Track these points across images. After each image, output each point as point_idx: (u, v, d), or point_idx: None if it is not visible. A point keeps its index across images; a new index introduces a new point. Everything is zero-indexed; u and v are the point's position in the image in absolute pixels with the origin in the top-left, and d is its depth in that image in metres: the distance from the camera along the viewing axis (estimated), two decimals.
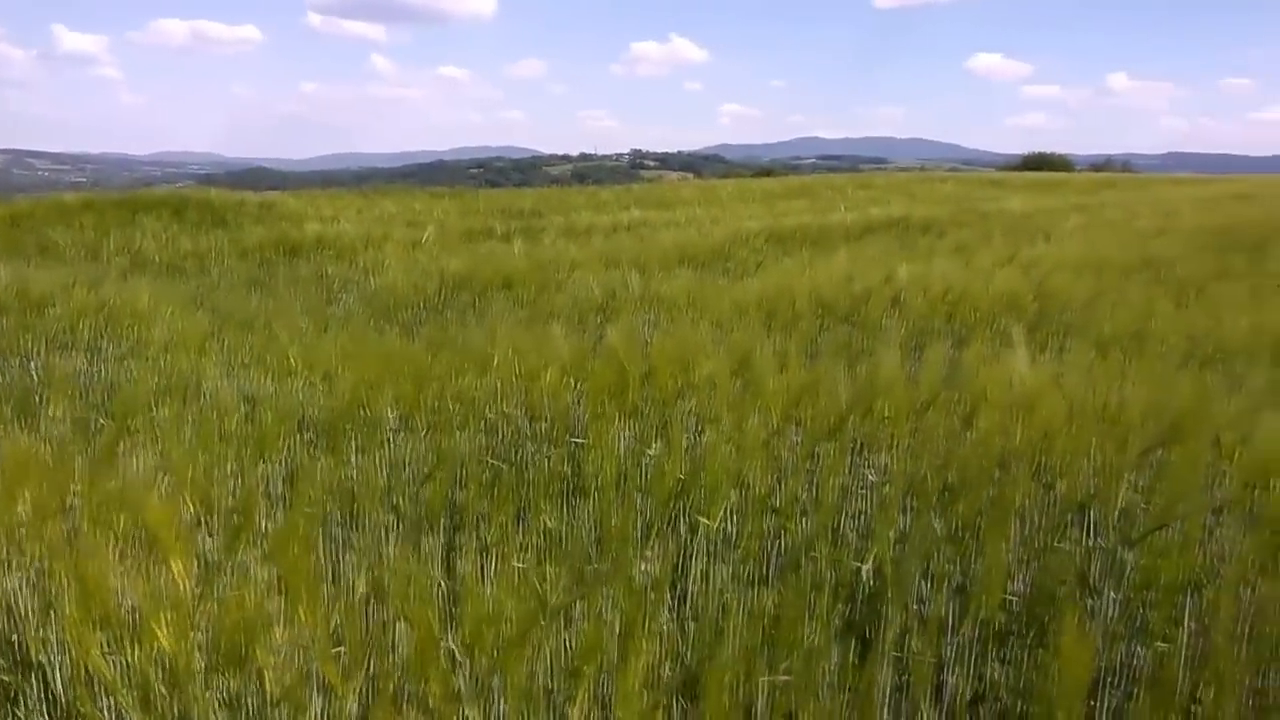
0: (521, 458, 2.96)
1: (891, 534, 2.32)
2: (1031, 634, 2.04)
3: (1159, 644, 1.90)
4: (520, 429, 3.21)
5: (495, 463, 2.80)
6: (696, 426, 3.21)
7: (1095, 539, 2.32)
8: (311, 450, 3.02)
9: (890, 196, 16.94)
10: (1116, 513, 2.32)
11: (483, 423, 3.23)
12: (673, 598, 2.29)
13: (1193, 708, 1.82)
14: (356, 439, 2.99)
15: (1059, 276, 5.91)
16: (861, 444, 3.03)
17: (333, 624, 1.87)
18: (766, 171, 40.96)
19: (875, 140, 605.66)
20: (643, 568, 2.22)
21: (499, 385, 3.52)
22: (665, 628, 2.05)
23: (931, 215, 11.44)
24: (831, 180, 21.76)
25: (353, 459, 2.94)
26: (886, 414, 3.00)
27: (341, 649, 1.79)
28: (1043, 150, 38.78)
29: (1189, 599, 2.02)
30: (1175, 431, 2.45)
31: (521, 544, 2.33)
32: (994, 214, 11.39)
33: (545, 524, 2.42)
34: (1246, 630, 1.94)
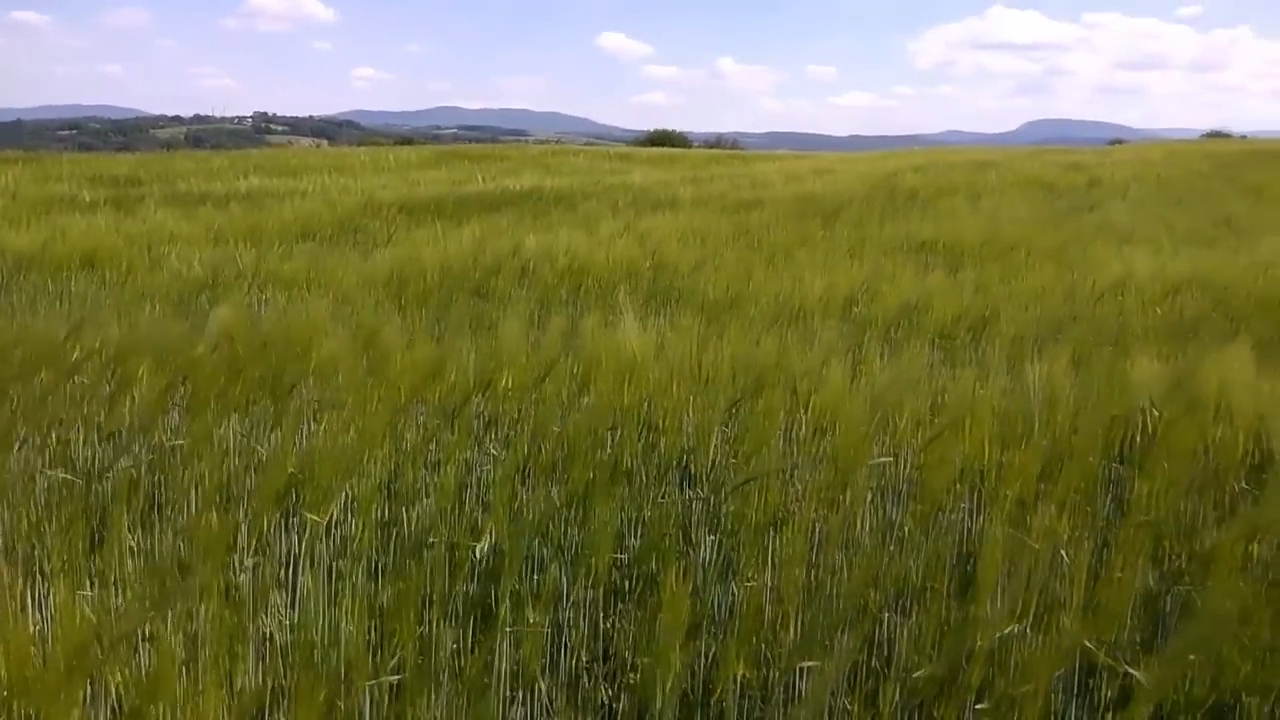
0: (96, 468, 2.58)
1: (513, 507, 2.33)
2: (641, 588, 2.16)
3: (747, 583, 2.08)
4: (97, 433, 2.79)
5: (59, 475, 2.40)
6: (314, 415, 3.00)
7: (694, 490, 2.50)
8: None
9: (526, 168, 17.24)
10: (710, 464, 2.52)
11: (49, 430, 2.76)
12: (283, 603, 2.12)
13: (781, 636, 2.02)
14: None
15: (671, 245, 6.36)
16: (487, 418, 3.02)
17: None
18: (407, 140, 40.10)
19: (514, 112, 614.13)
20: (243, 578, 2.02)
21: (71, 381, 3.03)
22: (266, 638, 1.89)
23: (564, 187, 11.80)
24: (469, 151, 21.75)
25: None
26: (510, 386, 3.01)
27: None
28: (664, 127, 41.67)
29: (772, 538, 2.24)
30: (759, 385, 2.71)
31: (94, 569, 2.03)
32: (619, 186, 12.00)
33: (125, 542, 2.12)
34: (816, 560, 2.20)
